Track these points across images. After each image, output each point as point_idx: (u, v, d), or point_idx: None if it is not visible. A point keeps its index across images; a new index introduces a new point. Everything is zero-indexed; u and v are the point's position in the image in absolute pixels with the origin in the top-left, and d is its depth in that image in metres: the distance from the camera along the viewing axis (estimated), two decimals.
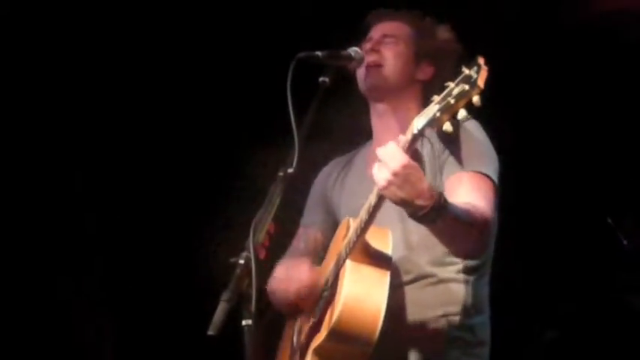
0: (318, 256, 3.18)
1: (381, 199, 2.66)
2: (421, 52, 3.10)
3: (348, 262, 2.79)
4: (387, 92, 3.08)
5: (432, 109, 2.45)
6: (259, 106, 4.57)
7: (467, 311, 2.95)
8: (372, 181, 2.73)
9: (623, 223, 4.89)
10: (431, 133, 2.88)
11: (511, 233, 4.67)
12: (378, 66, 3.07)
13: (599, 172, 4.93)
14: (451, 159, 2.91)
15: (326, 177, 3.33)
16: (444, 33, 3.15)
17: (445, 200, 2.62)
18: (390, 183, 2.53)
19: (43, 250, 4.87)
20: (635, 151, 4.88)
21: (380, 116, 3.13)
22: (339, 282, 2.80)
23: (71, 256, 4.92)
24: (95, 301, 4.98)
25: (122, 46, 4.78)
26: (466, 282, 2.97)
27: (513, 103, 4.73)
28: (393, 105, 3.09)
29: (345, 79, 3.10)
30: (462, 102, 2.39)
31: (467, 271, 2.98)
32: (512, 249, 4.73)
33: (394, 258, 2.88)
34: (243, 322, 2.49)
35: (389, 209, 2.88)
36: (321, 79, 2.87)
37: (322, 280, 2.97)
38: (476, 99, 2.38)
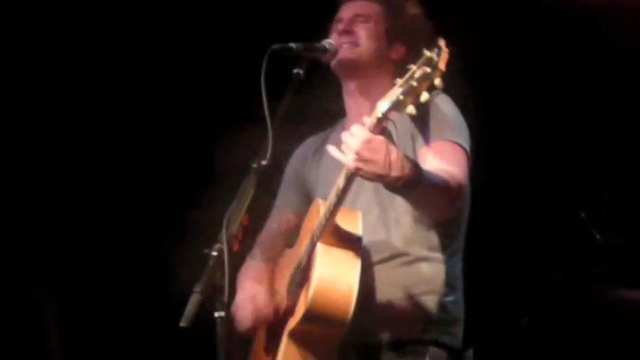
0: (291, 237, 3.19)
1: (348, 181, 2.66)
2: (393, 31, 3.09)
3: (319, 245, 2.80)
4: (360, 70, 3.07)
5: (395, 92, 2.46)
6: (232, 97, 4.56)
7: (440, 290, 2.96)
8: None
9: (596, 218, 4.92)
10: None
11: (484, 227, 4.72)
12: (351, 45, 3.06)
13: (573, 166, 4.96)
14: (422, 131, 2.93)
15: (300, 157, 3.32)
16: (413, 9, 3.15)
17: (419, 168, 2.64)
18: (357, 161, 2.53)
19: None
20: (611, 145, 4.91)
21: (353, 95, 3.12)
22: (312, 266, 2.81)
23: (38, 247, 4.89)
24: (67, 293, 4.95)
25: (93, 43, 4.75)
26: (439, 260, 2.98)
27: (488, 91, 4.75)
28: (366, 84, 3.09)
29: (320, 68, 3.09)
30: (425, 84, 2.41)
31: (440, 249, 2.99)
32: (485, 240, 4.78)
33: (370, 239, 2.89)
34: (216, 314, 2.49)
35: (366, 191, 2.89)
36: (295, 70, 2.87)
37: (294, 263, 2.99)
38: (437, 81, 2.40)
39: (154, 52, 4.79)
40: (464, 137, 2.95)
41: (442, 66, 2.39)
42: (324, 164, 3.18)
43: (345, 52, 3.05)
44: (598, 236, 4.90)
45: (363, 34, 3.07)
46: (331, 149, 2.61)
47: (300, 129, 3.32)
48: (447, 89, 2.53)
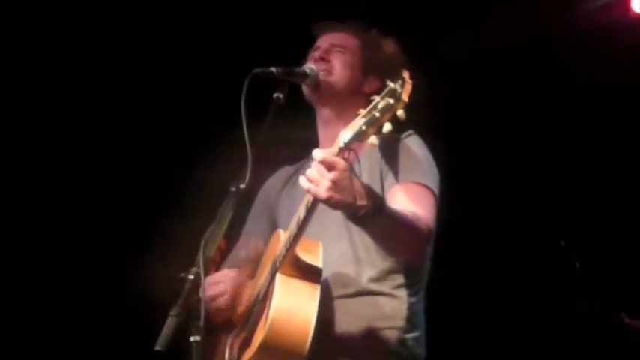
0: (257, 264, 3.15)
1: (309, 211, 2.64)
2: (368, 65, 3.12)
3: (278, 276, 2.78)
4: (333, 98, 3.08)
5: (358, 122, 2.45)
6: (211, 120, 4.56)
7: (402, 325, 2.94)
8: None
9: (574, 246, 4.93)
10: (373, 148, 2.91)
11: (462, 253, 4.73)
12: (326, 72, 3.07)
13: (553, 195, 4.98)
14: (392, 172, 2.93)
15: (271, 186, 3.31)
16: (389, 46, 3.17)
17: (382, 200, 2.65)
18: (330, 190, 2.50)
19: None
20: (590, 173, 4.94)
21: (325, 124, 3.13)
22: (269, 296, 2.78)
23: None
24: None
25: (80, 53, 4.75)
26: (402, 298, 2.97)
27: (464, 121, 4.78)
28: (338, 113, 3.09)
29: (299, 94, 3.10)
30: (387, 116, 2.40)
31: (404, 286, 2.98)
32: (462, 268, 4.79)
33: (337, 271, 2.89)
34: (192, 338, 2.47)
35: (334, 224, 2.88)
36: (275, 94, 2.88)
37: (253, 293, 2.96)
38: (400, 112, 2.39)
39: (139, 68, 4.79)
40: (434, 180, 2.95)
41: (405, 97, 2.38)
42: (292, 197, 3.15)
43: (319, 77, 3.06)
44: (577, 264, 4.91)
45: (338, 63, 3.09)
46: (301, 180, 2.58)
47: (280, 153, 3.32)
48: (417, 125, 2.52)
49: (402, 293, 2.97)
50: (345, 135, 2.48)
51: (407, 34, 3.23)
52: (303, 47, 3.19)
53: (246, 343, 2.89)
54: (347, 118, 2.98)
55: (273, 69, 2.89)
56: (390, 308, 2.95)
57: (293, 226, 2.72)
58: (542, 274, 4.97)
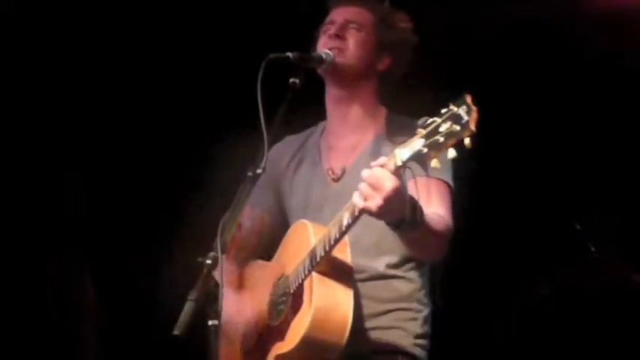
0: (262, 237, 3.21)
1: (354, 220, 2.66)
2: (382, 43, 3.10)
3: (315, 275, 2.81)
4: (346, 78, 3.06)
5: (417, 143, 2.42)
6: (228, 106, 4.56)
7: (415, 306, 3.00)
8: (324, 173, 2.80)
9: (591, 230, 4.92)
10: (388, 127, 3.01)
11: (479, 238, 4.73)
12: (339, 51, 3.05)
13: (570, 180, 4.96)
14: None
15: (278, 158, 3.25)
16: (402, 22, 3.15)
17: (422, 212, 2.66)
18: (382, 208, 2.53)
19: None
20: (607, 158, 4.91)
21: (335, 102, 3.12)
22: (306, 293, 2.82)
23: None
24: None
25: (94, 43, 4.76)
26: (414, 279, 3.03)
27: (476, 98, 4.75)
28: (350, 92, 3.09)
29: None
30: (452, 142, 2.35)
31: (415, 269, 3.03)
32: (479, 253, 4.79)
33: (358, 256, 2.91)
34: (209, 322, 2.49)
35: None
36: (291, 80, 2.87)
37: (278, 285, 2.99)
38: (467, 142, 2.34)
39: (152, 58, 4.79)
40: (450, 175, 2.96)
41: (473, 127, 2.32)
42: (300, 174, 3.17)
43: (335, 61, 3.04)
44: (593, 248, 4.90)
45: (353, 41, 3.07)
46: (355, 196, 2.57)
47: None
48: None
49: (414, 275, 3.03)
50: (403, 154, 2.48)
51: (422, 9, 3.21)
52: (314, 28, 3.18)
53: (274, 335, 2.94)
54: (358, 96, 3.06)
55: (289, 54, 2.88)
56: (404, 290, 3.00)
57: (334, 229, 2.73)
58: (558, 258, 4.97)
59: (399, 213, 2.57)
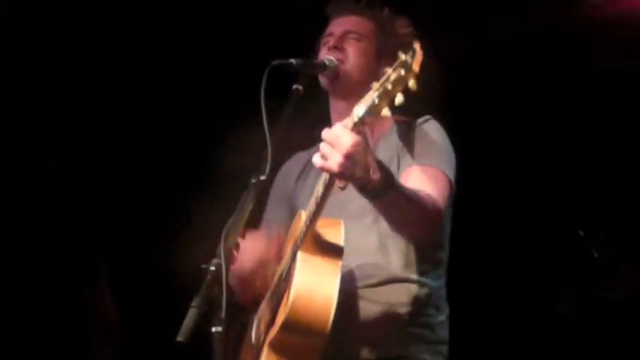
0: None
1: (327, 188, 2.64)
2: (382, 50, 3.09)
3: (300, 254, 2.78)
4: (349, 88, 3.05)
5: (371, 95, 2.43)
6: (232, 112, 4.56)
7: (429, 311, 2.99)
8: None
9: (594, 236, 4.92)
10: (391, 129, 2.96)
11: (482, 243, 4.73)
12: (340, 61, 3.05)
13: (573, 184, 4.97)
14: (408, 156, 2.93)
15: (287, 173, 3.28)
16: (402, 28, 3.14)
17: (394, 175, 2.64)
18: (343, 165, 2.48)
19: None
20: (609, 163, 4.92)
21: (339, 113, 3.09)
22: (292, 274, 2.80)
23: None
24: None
25: (101, 42, 4.77)
26: (428, 284, 2.99)
27: (483, 106, 4.76)
28: (354, 103, 3.09)
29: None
30: (399, 87, 2.37)
31: (428, 272, 3.00)
32: (482, 259, 4.79)
33: (365, 262, 2.91)
34: (213, 329, 2.48)
35: (364, 213, 2.90)
36: (294, 86, 2.88)
37: (278, 273, 2.98)
38: (412, 83, 2.36)
39: (157, 63, 4.80)
40: (449, 166, 2.94)
41: (416, 67, 2.36)
42: (309, 184, 3.16)
43: (338, 69, 3.04)
44: (596, 254, 4.90)
45: (353, 51, 3.07)
46: (315, 158, 2.55)
47: (300, 145, 3.32)
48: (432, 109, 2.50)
49: (427, 279, 2.99)
50: (359, 109, 2.46)
51: (422, 15, 3.20)
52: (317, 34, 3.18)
53: (271, 324, 2.91)
54: None
55: (292, 61, 2.88)
56: (417, 295, 2.97)
57: (312, 203, 2.71)
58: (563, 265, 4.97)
59: (364, 172, 2.52)
